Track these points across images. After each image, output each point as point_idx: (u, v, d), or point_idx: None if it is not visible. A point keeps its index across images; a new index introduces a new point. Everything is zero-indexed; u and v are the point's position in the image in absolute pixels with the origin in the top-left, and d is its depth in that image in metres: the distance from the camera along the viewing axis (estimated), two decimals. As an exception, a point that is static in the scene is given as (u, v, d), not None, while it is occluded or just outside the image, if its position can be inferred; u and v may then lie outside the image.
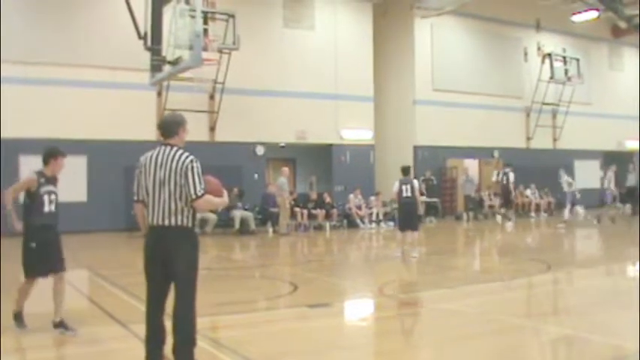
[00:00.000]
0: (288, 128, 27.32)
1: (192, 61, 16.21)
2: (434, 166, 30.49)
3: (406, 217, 16.37)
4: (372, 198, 27.54)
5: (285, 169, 24.91)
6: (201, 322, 9.11)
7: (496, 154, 33.28)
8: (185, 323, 6.35)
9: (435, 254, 17.98)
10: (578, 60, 35.07)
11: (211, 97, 25.58)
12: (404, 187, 16.21)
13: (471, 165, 33.24)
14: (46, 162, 8.39)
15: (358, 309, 11.04)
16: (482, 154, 32.97)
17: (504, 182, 27.18)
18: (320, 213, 25.63)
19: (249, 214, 24.23)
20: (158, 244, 6.30)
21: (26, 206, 8.27)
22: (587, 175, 37.10)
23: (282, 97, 27.13)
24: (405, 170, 16.74)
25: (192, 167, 6.24)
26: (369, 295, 12.13)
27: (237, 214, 23.88)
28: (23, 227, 8.21)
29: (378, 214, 27.31)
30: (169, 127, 6.62)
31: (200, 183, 6.23)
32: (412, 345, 8.38)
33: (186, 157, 6.29)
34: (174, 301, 6.33)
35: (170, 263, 6.27)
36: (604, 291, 12.04)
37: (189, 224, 6.35)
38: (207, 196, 6.32)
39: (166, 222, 6.25)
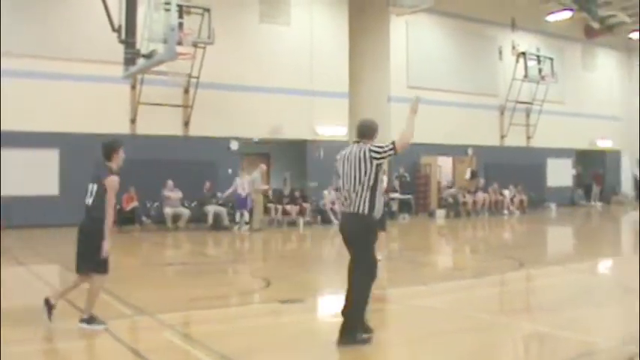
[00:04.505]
0: (262, 123, 27.20)
1: (167, 54, 16.11)
2: (408, 163, 30.51)
3: None
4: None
5: (263, 166, 24.83)
6: (175, 317, 9.13)
7: (470, 151, 33.42)
8: (353, 310, 7.60)
9: (408, 250, 17.98)
10: (552, 59, 35.31)
11: (186, 91, 25.44)
12: None
13: (445, 162, 33.38)
14: (109, 157, 8.40)
15: (331, 305, 11.02)
16: (456, 151, 33.07)
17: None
18: (294, 209, 25.59)
19: (222, 210, 24.12)
20: (345, 229, 7.68)
21: (101, 204, 8.14)
22: (560, 174, 37.52)
23: (257, 93, 27.01)
24: None
25: (372, 146, 7.51)
26: (342, 291, 12.11)
27: (211, 209, 23.79)
28: (98, 225, 8.09)
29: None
30: (368, 130, 7.85)
31: (385, 146, 7.44)
32: (384, 341, 8.36)
33: (367, 147, 7.52)
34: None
35: (351, 241, 7.65)
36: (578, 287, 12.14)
37: (367, 211, 7.40)
38: (398, 139, 7.48)
39: (351, 208, 7.46)
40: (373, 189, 7.41)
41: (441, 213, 30.37)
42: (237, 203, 23.92)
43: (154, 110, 24.21)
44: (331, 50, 29.32)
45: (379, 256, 15.45)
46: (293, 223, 25.26)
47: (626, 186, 42.39)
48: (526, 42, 35.31)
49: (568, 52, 38.60)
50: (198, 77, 24.72)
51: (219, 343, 7.63)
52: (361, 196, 7.38)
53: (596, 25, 34.91)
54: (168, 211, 23.26)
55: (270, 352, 7.59)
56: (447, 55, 32.83)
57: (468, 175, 32.53)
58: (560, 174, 37.70)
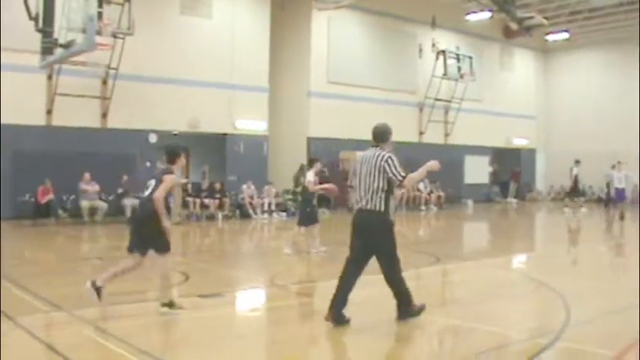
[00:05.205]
0: (181, 116, 26.93)
1: (86, 44, 15.82)
2: (327, 158, 30.57)
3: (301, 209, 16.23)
4: (266, 188, 27.53)
5: (182, 159, 24.60)
6: (92, 312, 9.01)
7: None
8: (396, 287, 8.52)
9: (328, 244, 18.00)
10: (471, 58, 35.93)
11: (104, 82, 24.97)
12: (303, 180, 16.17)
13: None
14: (173, 161, 9.51)
15: (249, 299, 11.05)
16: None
17: (573, 175, 29.70)
18: (212, 203, 25.49)
19: (140, 203, 23.83)
20: (360, 223, 8.37)
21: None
22: (477, 171, 38.18)
23: (176, 85, 26.72)
24: (309, 162, 16.61)
25: (390, 160, 8.15)
26: (261, 286, 12.15)
27: (128, 202, 23.49)
28: (152, 215, 8.97)
29: (270, 205, 27.34)
30: (382, 135, 8.55)
31: (398, 170, 8.14)
32: (303, 335, 8.43)
33: (384, 155, 8.22)
34: (382, 271, 8.48)
35: (369, 239, 8.33)
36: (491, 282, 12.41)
37: (382, 209, 8.21)
38: (409, 175, 8.22)
39: (368, 206, 8.23)
40: (388, 192, 8.23)
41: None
42: None
43: (71, 101, 23.71)
44: (252, 44, 29.20)
45: (321, 247, 15.59)
46: (212, 217, 25.18)
47: (540, 183, 43.45)
48: (446, 40, 35.80)
49: (487, 52, 39.29)
50: (117, 68, 24.30)
51: (138, 338, 7.58)
52: (377, 195, 8.20)
53: (514, 26, 35.57)
54: (84, 204, 22.91)
55: (189, 346, 7.56)
56: (367, 52, 33.03)
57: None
58: (477, 171, 38.36)
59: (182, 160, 9.68)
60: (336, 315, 8.29)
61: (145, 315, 9.23)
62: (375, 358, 7.44)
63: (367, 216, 8.29)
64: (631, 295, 10.90)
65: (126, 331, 8.00)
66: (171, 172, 9.22)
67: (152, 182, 9.20)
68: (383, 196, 8.20)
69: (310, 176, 15.72)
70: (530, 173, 42.87)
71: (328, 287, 11.82)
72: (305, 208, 15.85)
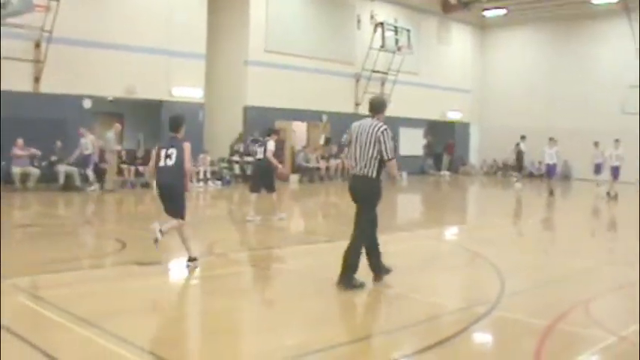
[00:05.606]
0: (117, 82, 26.44)
1: (24, 5, 15.51)
2: (263, 127, 30.45)
3: (260, 177, 16.31)
4: (201, 156, 27.36)
5: (118, 125, 24.41)
6: (27, 281, 8.91)
7: (324, 118, 33.71)
8: (352, 250, 8.87)
9: (264, 214, 17.92)
10: (408, 31, 36.04)
11: (37, 45, 24.39)
12: (259, 149, 16.27)
13: (299, 128, 33.62)
14: (178, 129, 10.24)
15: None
16: (310, 117, 33.30)
17: (518, 150, 30.67)
18: (147, 170, 25.22)
19: (74, 170, 23.45)
20: (354, 189, 9.10)
21: (182, 165, 9.99)
22: (411, 143, 38.51)
23: (112, 50, 26.19)
24: (267, 132, 16.92)
25: (385, 132, 8.78)
26: (200, 254, 12.10)
27: (62, 169, 23.10)
28: (180, 180, 10.10)
29: (205, 173, 27.22)
30: (380, 106, 9.40)
31: (390, 148, 8.76)
32: (241, 303, 8.44)
33: (380, 126, 8.89)
34: (354, 225, 9.10)
35: (358, 201, 9.10)
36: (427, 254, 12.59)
37: (374, 175, 8.81)
38: (393, 161, 8.86)
39: (362, 172, 8.85)
40: (381, 160, 8.77)
41: (294, 178, 30.65)
42: (82, 163, 23.35)
43: (2, 64, 23.14)
44: (190, 10, 28.78)
45: (280, 215, 15.95)
46: (146, 185, 24.90)
47: (474, 157, 44.00)
48: (384, 12, 35.89)
49: (424, 25, 39.47)
50: (51, 31, 23.77)
51: (76, 305, 7.51)
52: (371, 164, 8.77)
53: (453, 1, 35.86)
54: (16, 170, 22.41)
55: (125, 314, 7.52)
56: (305, 21, 32.89)
57: (322, 141, 32.93)
58: (411, 143, 38.63)
59: (184, 128, 10.31)
60: (374, 268, 9.17)
61: (83, 282, 9.16)
62: (314, 325, 7.47)
63: (360, 181, 8.91)
64: (561, 267, 11.24)
65: (64, 298, 7.91)
66: (186, 140, 9.99)
67: (173, 151, 9.88)
68: (376, 164, 8.76)
69: (272, 146, 16.16)
70: (463, 147, 43.38)
71: (266, 256, 11.93)
72: (271, 175, 16.31)
